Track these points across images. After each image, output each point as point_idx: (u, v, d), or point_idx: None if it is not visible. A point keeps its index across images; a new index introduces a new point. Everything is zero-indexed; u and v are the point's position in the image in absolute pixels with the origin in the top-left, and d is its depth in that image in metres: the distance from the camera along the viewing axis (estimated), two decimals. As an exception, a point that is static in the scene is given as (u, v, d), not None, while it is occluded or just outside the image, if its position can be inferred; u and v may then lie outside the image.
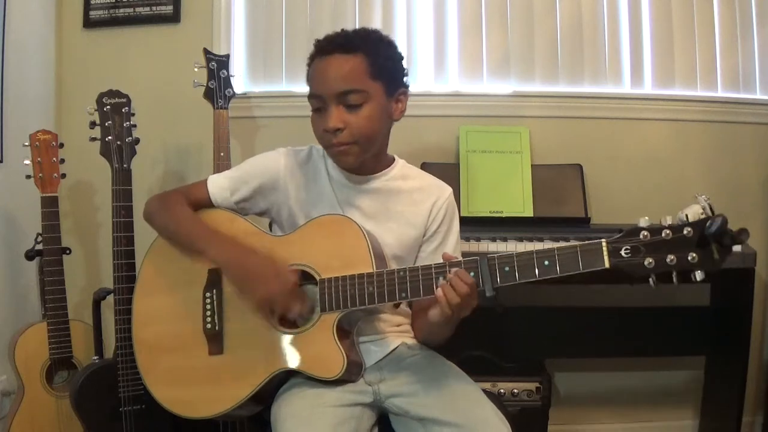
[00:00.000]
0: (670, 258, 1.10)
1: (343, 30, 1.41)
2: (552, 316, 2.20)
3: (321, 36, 1.41)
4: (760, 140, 2.34)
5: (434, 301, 1.24)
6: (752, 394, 2.31)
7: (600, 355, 2.37)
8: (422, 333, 1.48)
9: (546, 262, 1.17)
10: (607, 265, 1.13)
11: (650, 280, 1.13)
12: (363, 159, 1.40)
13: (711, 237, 1.07)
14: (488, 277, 1.20)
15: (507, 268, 1.19)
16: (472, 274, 1.21)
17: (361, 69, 1.35)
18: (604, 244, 1.14)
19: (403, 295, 1.26)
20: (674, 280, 1.12)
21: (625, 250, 1.13)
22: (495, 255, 1.21)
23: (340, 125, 1.34)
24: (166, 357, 1.42)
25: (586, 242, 1.15)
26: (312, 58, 1.40)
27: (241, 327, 1.37)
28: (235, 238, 1.40)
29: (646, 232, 1.12)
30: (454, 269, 1.21)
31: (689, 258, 1.09)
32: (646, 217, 1.14)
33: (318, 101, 1.36)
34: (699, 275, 1.09)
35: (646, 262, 1.11)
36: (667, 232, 1.11)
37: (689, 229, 1.10)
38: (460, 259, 1.24)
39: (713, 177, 2.34)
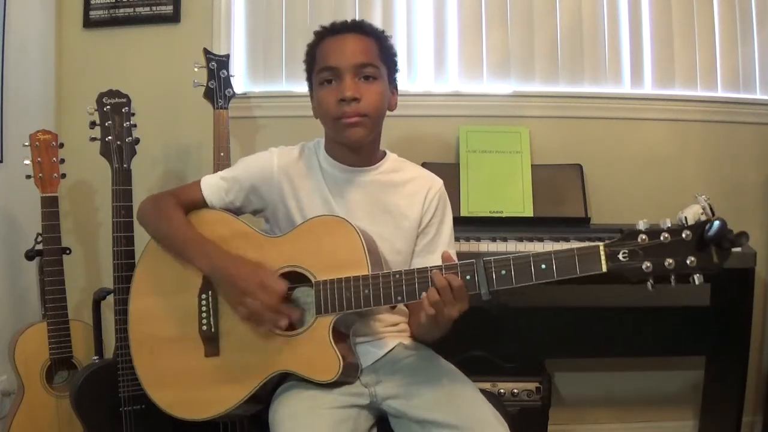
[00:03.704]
0: (669, 262, 1.09)
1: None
2: (552, 316, 2.20)
3: None
4: (760, 140, 2.34)
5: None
6: (752, 394, 2.31)
7: (600, 355, 2.37)
8: (414, 330, 1.48)
9: (543, 266, 1.16)
10: (604, 269, 1.12)
11: (648, 283, 1.12)
12: (369, 138, 1.42)
13: (710, 240, 1.05)
14: (484, 280, 1.19)
15: (503, 272, 1.18)
16: (468, 277, 1.20)
17: (374, 49, 1.41)
18: (601, 248, 1.13)
19: (399, 298, 1.25)
20: (672, 282, 1.10)
21: (623, 254, 1.11)
22: (491, 258, 1.20)
23: (357, 95, 1.36)
24: (163, 359, 1.41)
25: (584, 246, 1.14)
26: (319, 40, 1.44)
27: (237, 329, 1.36)
28: (225, 246, 1.38)
29: (644, 236, 1.10)
30: (445, 274, 1.20)
31: (688, 261, 1.08)
32: (645, 220, 1.12)
33: (331, 73, 1.38)
34: (698, 278, 1.08)
35: (644, 266, 1.10)
36: (666, 235, 1.09)
37: (688, 232, 1.08)
38: (457, 262, 1.23)
39: (713, 177, 2.34)
